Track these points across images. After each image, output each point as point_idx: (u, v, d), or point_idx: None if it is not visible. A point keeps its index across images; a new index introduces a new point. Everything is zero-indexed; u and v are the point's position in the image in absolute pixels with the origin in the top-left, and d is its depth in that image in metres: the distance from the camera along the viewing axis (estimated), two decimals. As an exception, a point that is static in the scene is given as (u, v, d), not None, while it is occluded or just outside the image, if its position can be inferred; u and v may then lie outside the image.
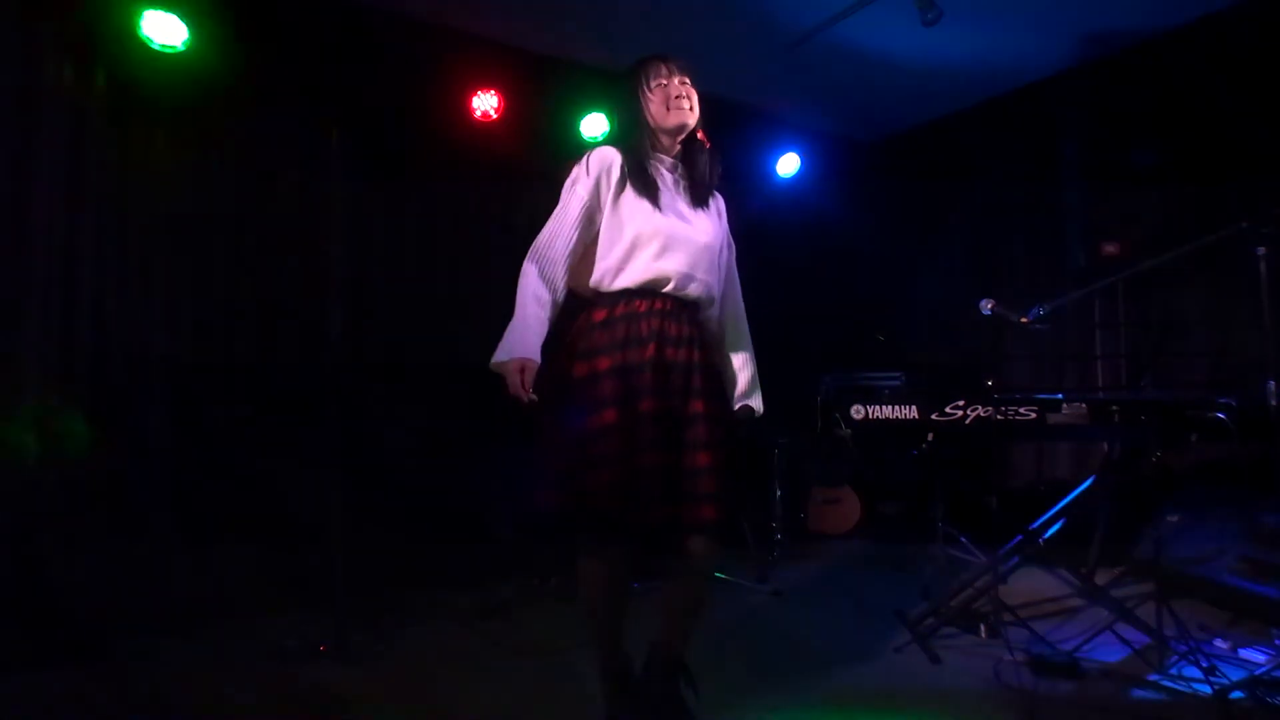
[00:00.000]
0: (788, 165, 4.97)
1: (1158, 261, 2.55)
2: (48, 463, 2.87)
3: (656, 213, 1.93)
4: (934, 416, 2.81)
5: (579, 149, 4.17)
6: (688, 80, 2.00)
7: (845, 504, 4.74)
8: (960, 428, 2.76)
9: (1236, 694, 2.25)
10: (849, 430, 3.12)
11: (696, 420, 1.89)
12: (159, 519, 3.18)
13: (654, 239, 1.91)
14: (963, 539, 3.75)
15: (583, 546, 1.99)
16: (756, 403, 2.15)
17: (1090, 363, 4.41)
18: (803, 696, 2.38)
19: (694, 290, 1.97)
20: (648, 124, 2.00)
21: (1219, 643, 2.68)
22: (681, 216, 1.97)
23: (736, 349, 2.16)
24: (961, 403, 2.76)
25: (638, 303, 1.93)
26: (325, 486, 2.86)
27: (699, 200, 2.03)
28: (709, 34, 3.97)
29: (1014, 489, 4.63)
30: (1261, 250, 2.29)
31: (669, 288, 1.93)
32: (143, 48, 3.07)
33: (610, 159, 1.97)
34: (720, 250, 2.07)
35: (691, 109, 1.99)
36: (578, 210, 1.95)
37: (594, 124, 4.13)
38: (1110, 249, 4.21)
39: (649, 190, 1.94)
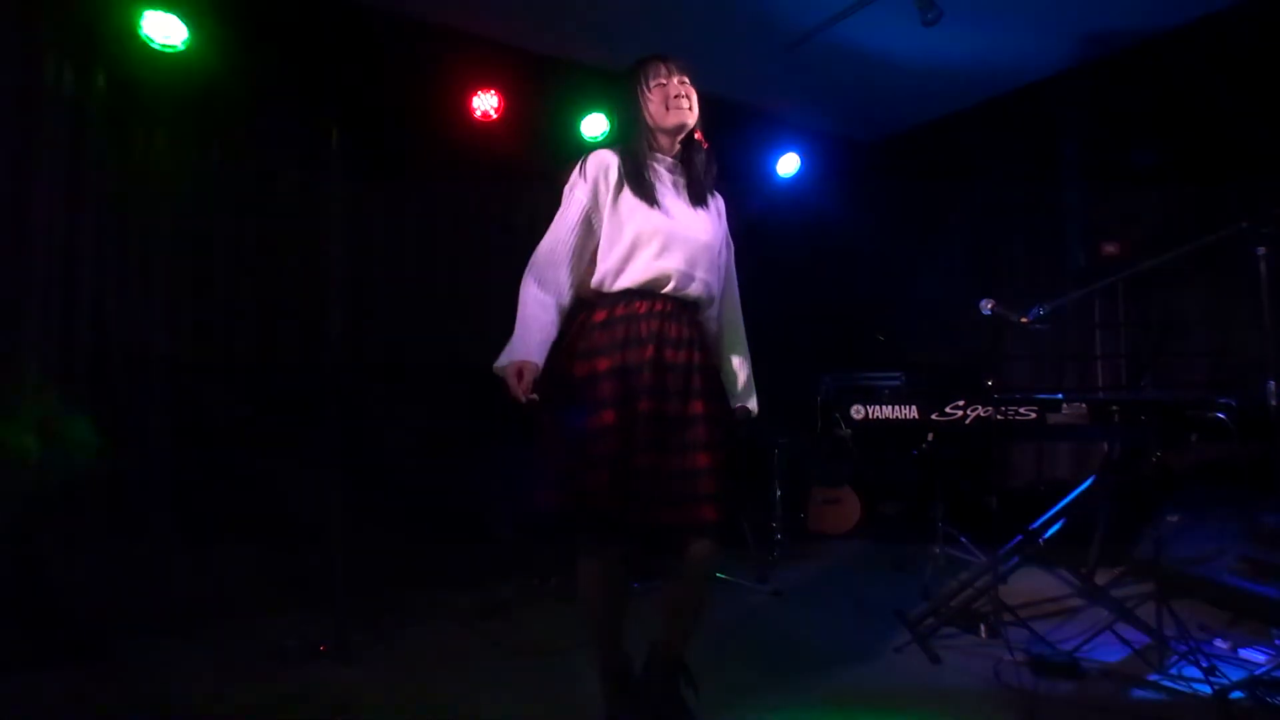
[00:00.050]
0: (788, 165, 4.97)
1: (1158, 261, 2.55)
2: (48, 463, 2.87)
3: (656, 212, 1.93)
4: (934, 416, 2.81)
5: (579, 149, 4.17)
6: (687, 80, 2.00)
7: (845, 504, 4.74)
8: (960, 428, 2.76)
9: (1236, 694, 2.25)
10: (849, 430, 3.12)
11: (696, 421, 1.89)
12: (159, 519, 3.18)
13: (654, 238, 1.92)
14: (963, 539, 3.75)
15: (582, 546, 1.99)
16: (752, 404, 2.16)
17: (1090, 363, 4.41)
18: (803, 696, 2.38)
19: (694, 290, 1.97)
20: (647, 124, 2.00)
21: (1219, 643, 2.68)
22: (681, 215, 1.98)
23: (733, 350, 2.16)
24: (961, 403, 2.76)
25: (638, 304, 1.93)
26: (325, 486, 2.86)
27: (698, 199, 2.03)
28: (709, 34, 3.97)
29: (1014, 489, 4.63)
30: (1261, 250, 2.29)
31: (669, 287, 1.93)
32: (143, 48, 3.07)
33: (607, 161, 1.97)
34: (720, 250, 2.07)
35: (691, 109, 1.99)
36: (577, 214, 1.95)
37: (594, 124, 4.13)
38: (1110, 249, 4.21)
39: (646, 190, 1.94)
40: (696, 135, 2.04)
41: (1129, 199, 4.22)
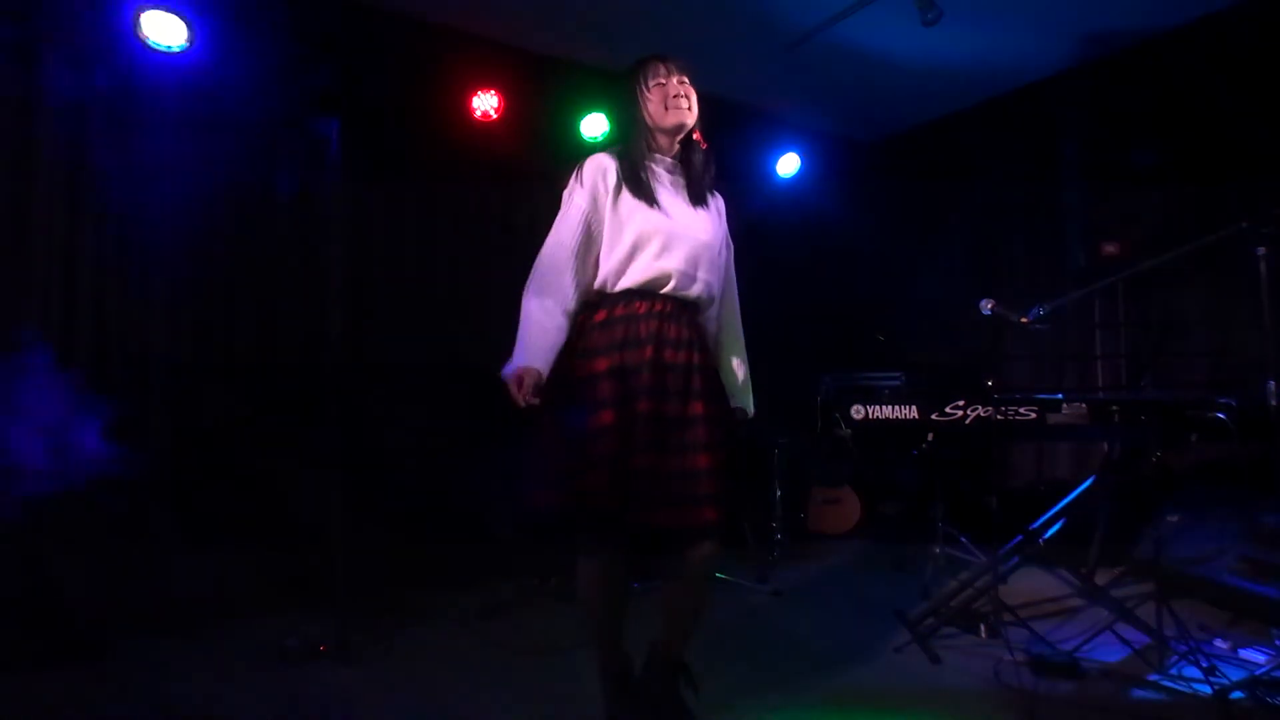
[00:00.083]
0: (788, 165, 4.96)
1: (1158, 261, 2.55)
2: (48, 462, 2.87)
3: (656, 212, 1.93)
4: (934, 416, 2.81)
5: (579, 149, 4.16)
6: (686, 80, 2.00)
7: (845, 504, 4.74)
8: (960, 428, 2.76)
9: (1236, 694, 2.25)
10: (849, 430, 3.13)
11: (696, 422, 1.89)
12: (159, 519, 3.18)
13: (654, 238, 1.92)
14: (963, 539, 3.75)
15: (582, 546, 1.99)
16: (749, 404, 2.16)
17: (1090, 363, 4.42)
18: (803, 696, 2.38)
19: (695, 290, 1.97)
20: (645, 123, 2.00)
21: (1219, 643, 2.68)
22: (681, 215, 1.98)
23: (731, 350, 2.16)
24: (961, 403, 2.76)
25: (637, 304, 1.93)
26: (325, 486, 2.86)
27: (698, 199, 2.03)
28: (709, 34, 3.97)
29: (1014, 489, 4.63)
30: (1261, 250, 2.29)
31: (669, 287, 1.93)
32: (143, 48, 3.07)
33: (604, 165, 1.97)
34: (720, 249, 2.07)
35: (690, 109, 1.98)
36: (577, 219, 1.94)
37: (594, 124, 4.13)
38: (1110, 249, 4.21)
39: (645, 191, 1.94)
40: (695, 135, 2.04)
41: (1129, 199, 4.22)
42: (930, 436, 2.86)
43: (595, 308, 1.97)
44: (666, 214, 1.94)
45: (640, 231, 1.91)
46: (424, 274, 3.97)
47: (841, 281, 5.43)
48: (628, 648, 2.06)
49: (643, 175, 1.96)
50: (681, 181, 2.04)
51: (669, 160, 2.03)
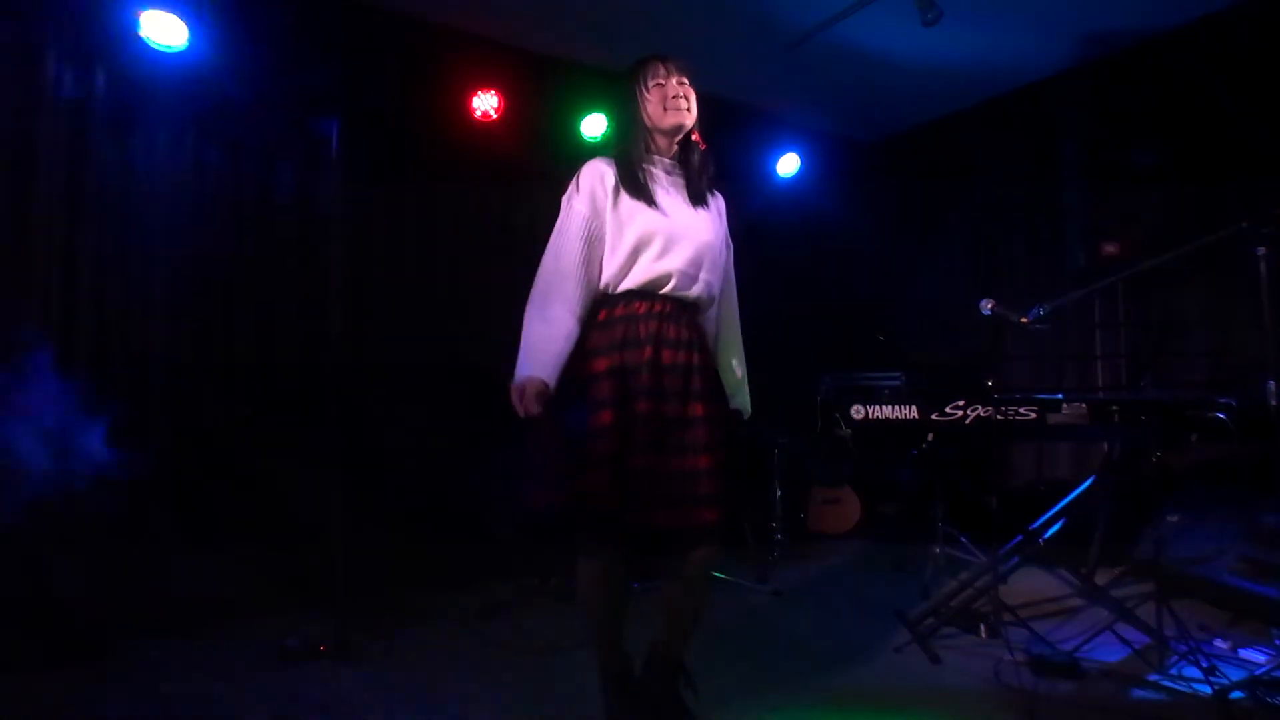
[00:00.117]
0: (788, 165, 4.96)
1: (1158, 261, 2.55)
2: (48, 463, 2.87)
3: (655, 214, 1.93)
4: (934, 416, 2.81)
5: (579, 149, 4.17)
6: (686, 80, 1.99)
7: (845, 504, 4.74)
8: (960, 428, 2.76)
9: (1236, 694, 2.25)
10: (849, 430, 3.12)
11: (696, 423, 1.89)
12: (159, 519, 3.18)
13: (655, 239, 1.91)
14: (963, 539, 3.75)
15: (582, 547, 1.99)
16: (745, 404, 2.15)
17: (1090, 363, 4.41)
18: (803, 696, 2.38)
19: (695, 291, 1.97)
20: (644, 124, 2.00)
21: (1219, 643, 2.68)
22: (681, 216, 1.97)
23: (729, 350, 2.16)
24: (961, 403, 2.76)
25: (637, 304, 1.93)
26: (325, 486, 2.86)
27: (697, 199, 2.02)
28: (709, 34, 3.97)
29: (1014, 489, 4.63)
30: (1261, 250, 2.29)
31: (669, 287, 1.93)
32: (143, 48, 3.07)
33: (601, 170, 1.96)
34: (721, 249, 2.07)
35: (689, 110, 1.98)
36: (579, 225, 1.93)
37: (594, 124, 4.12)
38: (1110, 249, 4.21)
39: (643, 193, 1.94)
40: (694, 136, 2.04)
41: (1129, 199, 4.22)
42: (930, 436, 2.86)
43: (596, 308, 1.97)
44: (666, 215, 1.94)
45: (641, 233, 1.91)
46: (424, 274, 3.97)
47: (841, 281, 5.43)
48: (628, 648, 2.06)
49: (640, 177, 1.96)
50: (681, 182, 2.03)
51: (668, 161, 2.03)
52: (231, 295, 3.47)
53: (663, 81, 1.98)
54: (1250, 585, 2.79)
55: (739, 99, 4.78)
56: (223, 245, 3.46)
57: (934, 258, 5.26)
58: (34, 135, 3.00)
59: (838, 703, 2.34)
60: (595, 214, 1.94)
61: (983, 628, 2.83)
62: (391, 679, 2.53)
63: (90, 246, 3.12)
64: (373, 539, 3.33)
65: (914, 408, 2.84)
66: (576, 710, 2.23)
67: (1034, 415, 2.67)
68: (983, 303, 2.64)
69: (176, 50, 3.11)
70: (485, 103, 3.86)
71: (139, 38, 3.04)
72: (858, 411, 2.94)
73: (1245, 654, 2.60)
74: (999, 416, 2.68)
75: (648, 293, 1.93)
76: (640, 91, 1.99)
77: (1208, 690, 2.28)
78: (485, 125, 3.90)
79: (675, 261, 1.93)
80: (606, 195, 1.94)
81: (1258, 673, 2.33)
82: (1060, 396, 2.70)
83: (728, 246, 2.13)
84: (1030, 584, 3.36)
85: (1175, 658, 2.53)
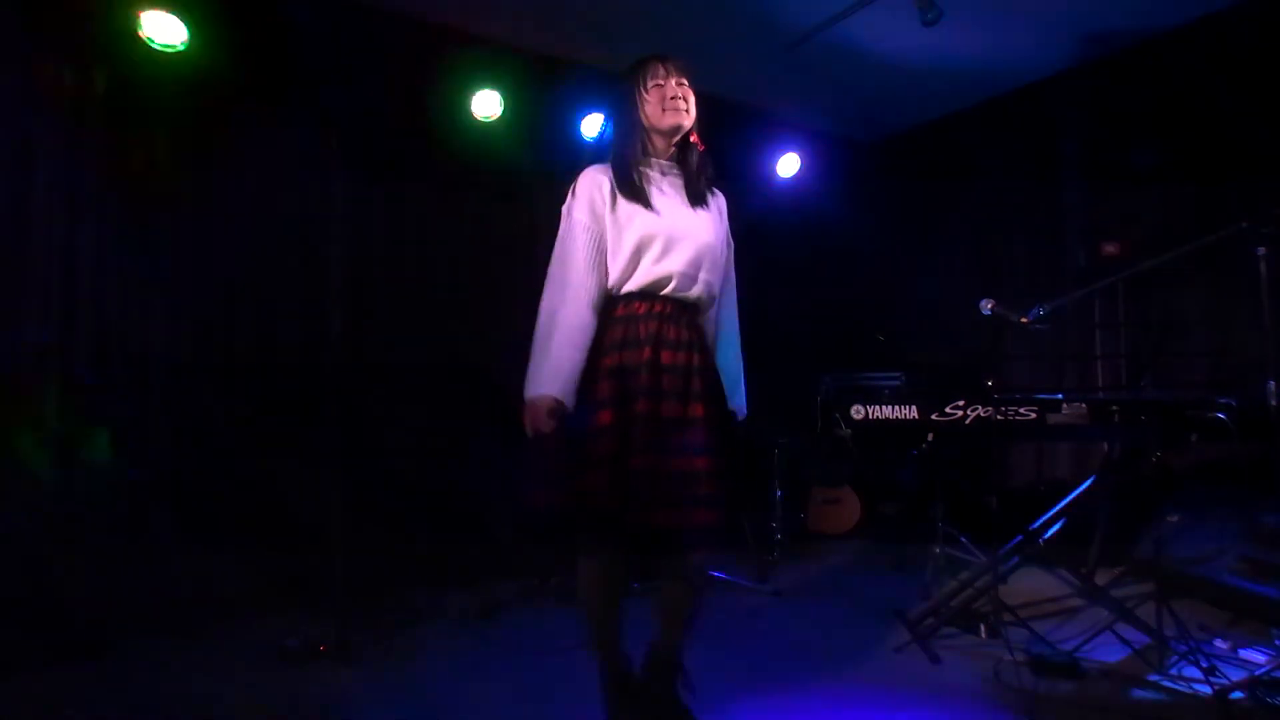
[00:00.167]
0: (788, 165, 4.96)
1: (1158, 261, 2.55)
2: (48, 463, 2.87)
3: (653, 216, 1.93)
4: (934, 416, 2.81)
5: (579, 149, 4.16)
6: (685, 81, 1.99)
7: (845, 504, 4.74)
8: (960, 428, 2.76)
9: (1236, 694, 2.25)
10: (849, 430, 3.12)
11: (695, 424, 1.88)
12: (159, 519, 3.18)
13: (655, 241, 1.91)
14: (963, 539, 3.75)
15: (582, 547, 1.99)
16: (741, 404, 2.15)
17: (1090, 363, 4.41)
18: (803, 696, 2.38)
19: (695, 291, 1.97)
20: (642, 124, 1.99)
21: (1219, 643, 2.68)
22: (680, 216, 1.97)
23: (727, 349, 2.15)
24: (961, 403, 2.76)
25: (637, 305, 1.93)
26: (325, 486, 2.86)
27: (697, 199, 2.02)
28: (709, 34, 3.97)
29: (1014, 489, 4.63)
30: (1261, 250, 2.29)
31: (670, 288, 1.93)
32: (143, 48, 3.07)
33: (598, 178, 1.96)
34: (722, 249, 2.07)
35: (687, 111, 1.97)
36: (582, 235, 1.92)
37: (594, 124, 4.12)
38: (1110, 249, 4.21)
39: (639, 195, 1.93)
40: (692, 137, 2.03)
41: (1129, 199, 4.22)
42: (930, 436, 2.86)
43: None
44: (665, 216, 1.94)
45: (640, 236, 1.91)
46: (424, 274, 3.97)
47: (841, 281, 5.43)
48: (627, 648, 2.05)
49: (635, 179, 1.95)
50: (679, 182, 2.03)
51: (666, 162, 2.03)
52: (231, 295, 3.47)
53: (662, 82, 1.97)
54: (1250, 585, 2.79)
55: (739, 99, 4.78)
56: (222, 245, 3.45)
57: (934, 258, 5.26)
58: (34, 135, 3.00)
59: (838, 703, 2.34)
60: (595, 221, 1.93)
61: (983, 628, 2.83)
62: (391, 679, 2.53)
63: (90, 246, 3.12)
64: (373, 539, 3.33)
65: (914, 408, 2.84)
66: (576, 710, 2.23)
67: (1034, 415, 2.67)
68: (983, 303, 2.64)
69: (176, 50, 3.10)
70: (485, 103, 3.86)
71: (139, 38, 3.04)
72: (858, 411, 2.94)
73: (1245, 654, 2.60)
74: (999, 416, 2.68)
75: (648, 294, 1.93)
76: (639, 92, 1.98)
77: (1208, 690, 2.28)
78: (485, 125, 3.90)
79: (675, 263, 1.93)
80: (605, 202, 1.93)
81: (1258, 673, 2.32)
82: (1060, 396, 2.70)
83: (728, 245, 2.12)
84: (1030, 584, 3.36)
85: (1175, 658, 2.53)
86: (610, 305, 1.95)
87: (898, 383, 4.58)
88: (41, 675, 2.52)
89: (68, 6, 3.05)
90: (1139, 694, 2.36)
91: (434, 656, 2.74)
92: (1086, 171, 4.44)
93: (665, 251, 1.92)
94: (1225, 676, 2.32)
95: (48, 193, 3.01)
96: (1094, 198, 4.42)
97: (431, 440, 3.80)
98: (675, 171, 2.03)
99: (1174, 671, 2.46)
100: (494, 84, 3.85)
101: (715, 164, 2.07)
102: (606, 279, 1.94)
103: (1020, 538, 2.96)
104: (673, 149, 2.03)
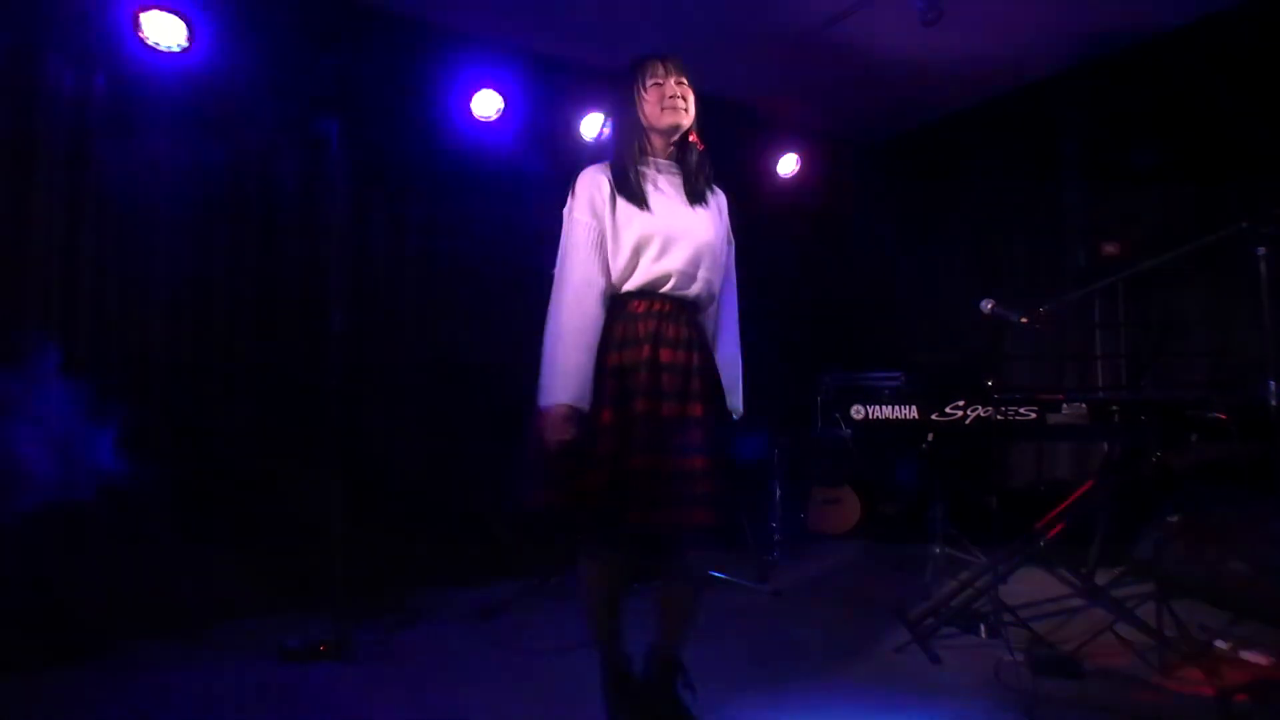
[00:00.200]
0: (788, 165, 4.96)
1: (1158, 261, 2.56)
2: (48, 463, 2.87)
3: (651, 215, 1.92)
4: (934, 416, 2.81)
5: (579, 149, 4.16)
6: (684, 80, 1.98)
7: (845, 504, 4.74)
8: (960, 428, 2.77)
9: (1237, 694, 2.25)
10: (849, 430, 3.13)
11: (694, 424, 1.88)
12: (159, 519, 3.18)
13: (654, 240, 1.91)
14: (963, 539, 3.75)
15: (583, 547, 1.99)
16: (738, 403, 2.14)
17: (1090, 363, 4.41)
18: (803, 696, 2.38)
19: (694, 289, 1.97)
20: (641, 124, 1.99)
21: (1219, 643, 2.67)
22: (679, 215, 1.97)
23: (725, 348, 2.15)
24: (961, 403, 2.77)
25: (636, 303, 1.93)
26: (325, 486, 2.86)
27: (696, 198, 2.02)
28: (709, 33, 3.97)
29: (1014, 489, 4.63)
30: (1261, 250, 2.29)
31: (668, 286, 1.93)
32: (143, 48, 3.07)
33: (597, 177, 1.96)
34: (721, 247, 2.06)
35: (686, 110, 1.97)
36: (585, 234, 1.92)
37: (594, 124, 4.11)
38: (1110, 249, 4.21)
39: (637, 195, 1.93)
40: (691, 137, 2.03)
41: (1129, 199, 4.22)
42: (930, 436, 2.86)
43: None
44: (663, 215, 1.94)
45: (639, 235, 1.91)
46: (424, 274, 3.97)
47: (841, 281, 5.43)
48: (628, 648, 2.06)
49: (633, 178, 1.95)
50: (678, 181, 2.03)
51: (665, 161, 2.02)
52: (232, 295, 3.47)
53: (661, 81, 1.97)
54: (1250, 585, 2.79)
55: (739, 99, 4.77)
56: (223, 245, 3.46)
57: (934, 258, 5.26)
58: (34, 135, 3.00)
59: (838, 702, 2.34)
60: (596, 219, 1.93)
61: (983, 628, 2.83)
62: (391, 679, 2.53)
63: (90, 246, 3.12)
64: (373, 539, 3.32)
65: (914, 408, 2.85)
66: (577, 710, 2.23)
67: (1034, 415, 2.68)
68: (983, 303, 2.64)
69: (176, 50, 3.10)
70: (485, 103, 3.86)
71: (139, 38, 3.04)
72: (858, 411, 2.94)
73: (1245, 654, 2.60)
74: (999, 416, 2.68)
75: (646, 292, 1.93)
76: (638, 91, 1.98)
77: (1208, 690, 2.27)
78: (485, 125, 3.90)
79: (674, 261, 1.93)
80: (604, 201, 1.93)
81: (1258, 673, 2.32)
82: (1060, 396, 2.70)
83: (729, 243, 2.12)
84: (1030, 584, 3.36)
85: (1175, 658, 2.53)
86: (610, 304, 1.95)
87: (898, 383, 4.58)
88: (41, 675, 2.52)
89: (68, 6, 3.05)
90: (1139, 694, 2.36)
91: (434, 656, 2.74)
92: (1086, 171, 4.44)
93: (664, 250, 1.92)
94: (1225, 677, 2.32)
95: (48, 193, 3.01)
96: (1094, 198, 4.42)
97: (431, 440, 3.80)
98: (674, 171, 2.03)
99: (1174, 672, 2.45)
100: (494, 84, 3.86)
101: (715, 164, 2.07)
102: (611, 275, 1.94)
103: (1020, 538, 2.96)
104: (672, 148, 2.03)
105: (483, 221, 4.11)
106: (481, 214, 4.11)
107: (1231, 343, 3.83)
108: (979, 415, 2.73)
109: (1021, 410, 2.68)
